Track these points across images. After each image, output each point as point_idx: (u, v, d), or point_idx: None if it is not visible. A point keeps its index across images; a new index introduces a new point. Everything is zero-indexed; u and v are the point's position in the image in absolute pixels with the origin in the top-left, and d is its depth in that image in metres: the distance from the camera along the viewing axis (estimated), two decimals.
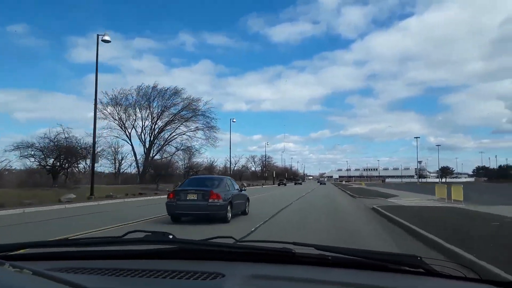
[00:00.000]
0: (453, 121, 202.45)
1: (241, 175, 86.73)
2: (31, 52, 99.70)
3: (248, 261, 1.49)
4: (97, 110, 21.63)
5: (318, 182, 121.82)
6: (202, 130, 47.81)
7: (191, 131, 47.76)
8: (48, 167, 25.14)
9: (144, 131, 46.90)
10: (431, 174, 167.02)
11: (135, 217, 12.46)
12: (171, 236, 1.50)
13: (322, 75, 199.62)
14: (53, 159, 25.04)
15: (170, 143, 48.35)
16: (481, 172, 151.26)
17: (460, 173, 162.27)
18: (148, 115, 46.68)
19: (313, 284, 1.26)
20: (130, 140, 46.48)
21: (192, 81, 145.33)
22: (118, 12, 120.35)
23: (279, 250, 1.45)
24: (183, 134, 47.82)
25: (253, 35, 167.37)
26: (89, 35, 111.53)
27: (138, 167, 46.32)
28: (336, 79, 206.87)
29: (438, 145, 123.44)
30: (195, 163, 65.53)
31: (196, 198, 10.67)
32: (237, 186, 12.92)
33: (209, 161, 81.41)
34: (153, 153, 47.02)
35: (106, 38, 21.47)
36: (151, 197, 25.68)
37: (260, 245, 1.54)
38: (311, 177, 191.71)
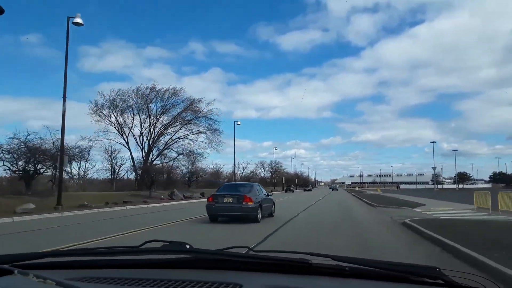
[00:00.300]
0: (466, 128, 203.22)
1: (247, 181, 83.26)
2: (44, 62, 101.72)
3: (264, 271, 1.48)
4: (65, 107, 18.11)
5: (330, 188, 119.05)
6: (205, 133, 44.41)
7: (193, 134, 44.40)
8: (18, 172, 21.95)
9: (142, 134, 43.77)
10: (446, 180, 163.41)
11: (58, 241, 8.66)
12: (188, 246, 1.51)
13: (332, 82, 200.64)
14: (24, 163, 21.78)
15: (170, 148, 45.03)
16: (498, 178, 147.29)
17: (476, 179, 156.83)
18: (146, 118, 43.59)
19: None
20: (127, 144, 43.38)
21: (203, 89, 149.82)
22: (129, 22, 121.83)
23: (296, 261, 1.44)
24: (184, 138, 44.43)
25: (263, 43, 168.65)
26: (101, 44, 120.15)
27: (136, 172, 43.11)
28: (346, 86, 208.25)
29: (455, 150, 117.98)
30: (199, 168, 62.44)
31: (231, 201, 12.40)
32: (264, 191, 14.50)
33: (215, 166, 79.42)
34: (151, 158, 43.77)
35: (78, 20, 18.64)
36: (137, 206, 22.24)
37: (277, 255, 1.54)
38: (322, 183, 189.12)
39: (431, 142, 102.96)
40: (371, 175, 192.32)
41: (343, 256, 1.46)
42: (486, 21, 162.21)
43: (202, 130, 44.40)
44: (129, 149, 43.48)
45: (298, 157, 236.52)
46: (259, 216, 12.57)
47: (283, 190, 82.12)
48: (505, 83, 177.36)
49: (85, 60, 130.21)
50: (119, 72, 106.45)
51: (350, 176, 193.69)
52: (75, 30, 21.03)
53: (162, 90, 42.77)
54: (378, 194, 44.04)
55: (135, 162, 43.29)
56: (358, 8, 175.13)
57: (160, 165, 44.76)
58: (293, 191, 70.42)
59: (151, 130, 43.55)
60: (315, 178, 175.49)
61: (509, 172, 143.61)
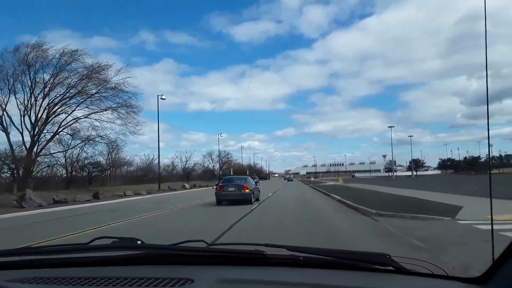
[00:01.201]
0: (411, 117, 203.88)
1: (188, 174, 71.93)
2: None
3: (218, 264, 1.46)
4: None
5: (284, 179, 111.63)
6: (115, 110, 32.49)
7: (97, 112, 32.25)
8: None
9: (26, 114, 31.07)
10: (398, 168, 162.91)
11: None
12: (139, 242, 1.47)
13: (285, 74, 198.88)
14: None
15: (71, 134, 32.70)
16: (446, 164, 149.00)
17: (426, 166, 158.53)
18: (32, 90, 30.92)
19: (284, 286, 1.25)
20: (2, 127, 30.52)
21: (155, 80, 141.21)
22: (73, 9, 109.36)
23: (250, 252, 1.44)
24: (86, 118, 32.19)
25: (216, 34, 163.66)
26: (42, 34, 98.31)
27: (17, 167, 30.50)
28: (299, 77, 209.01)
29: (410, 136, 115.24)
30: (124, 160, 50.13)
31: (234, 190, 17.08)
32: (253, 182, 19.66)
33: (147, 157, 66.49)
34: (37, 149, 31.26)
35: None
36: None
37: (232, 247, 1.52)
38: (276, 175, 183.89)
39: (389, 127, 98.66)
40: (324, 165, 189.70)
41: (298, 246, 1.46)
42: (431, 15, 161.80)
43: (111, 107, 32.44)
44: (7, 135, 30.67)
45: (252, 148, 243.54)
46: (253, 199, 17.29)
47: None
48: (448, 74, 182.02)
49: (24, 50, 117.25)
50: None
51: (304, 166, 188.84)
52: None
53: (54, 52, 30.34)
54: (343, 186, 34.90)
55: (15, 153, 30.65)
56: None
57: (52, 156, 32.52)
58: None
59: (37, 109, 31.04)
60: (268, 169, 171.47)
61: (453, 158, 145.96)
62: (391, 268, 1.37)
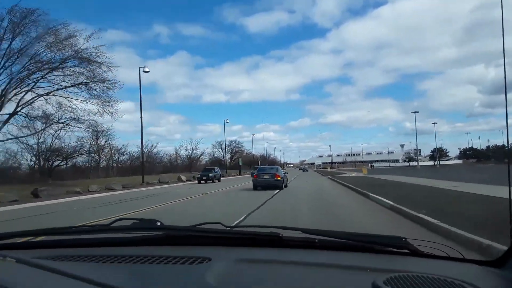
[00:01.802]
0: (428, 107, 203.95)
1: (192, 165, 65.40)
2: None
3: (235, 245, 1.49)
4: None
5: (299, 169, 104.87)
6: (85, 85, 25.84)
7: (61, 88, 25.64)
8: None
9: None
10: (419, 157, 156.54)
11: None
12: (158, 223, 1.49)
13: (299, 64, 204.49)
14: None
15: (26, 113, 26.33)
16: (468, 153, 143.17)
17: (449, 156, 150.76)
18: None
19: (299, 266, 1.27)
20: None
21: (169, 72, 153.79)
22: (89, 3, 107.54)
23: (266, 234, 1.45)
24: (49, 95, 25.66)
25: (229, 26, 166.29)
26: (58, 28, 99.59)
27: None
28: (314, 68, 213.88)
29: (434, 123, 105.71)
30: (112, 147, 43.87)
31: (268, 177, 19.90)
32: (282, 171, 22.45)
33: (148, 145, 59.87)
34: None
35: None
36: None
37: (248, 229, 1.55)
38: (291, 165, 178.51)
39: (412, 112, 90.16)
40: (340, 155, 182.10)
41: (313, 229, 1.48)
42: (446, 2, 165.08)
43: (81, 81, 25.73)
44: None
45: (267, 139, 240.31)
46: (283, 185, 20.24)
47: (239, 174, 65.11)
48: (464, 62, 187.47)
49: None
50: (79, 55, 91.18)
51: (319, 156, 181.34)
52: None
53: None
54: (372, 179, 27.66)
55: None
56: None
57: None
58: (216, 181, 51.29)
59: None
60: (283, 160, 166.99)
61: (474, 147, 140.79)
62: (406, 250, 1.37)
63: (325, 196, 15.55)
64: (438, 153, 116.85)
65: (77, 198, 18.83)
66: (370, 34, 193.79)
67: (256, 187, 20.02)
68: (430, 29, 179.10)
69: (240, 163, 77.32)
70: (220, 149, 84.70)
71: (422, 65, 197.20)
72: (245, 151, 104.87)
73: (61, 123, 26.79)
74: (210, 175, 34.58)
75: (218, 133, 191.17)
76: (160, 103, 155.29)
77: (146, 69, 29.94)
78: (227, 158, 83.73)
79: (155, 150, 59.10)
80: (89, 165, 39.28)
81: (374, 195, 12.77)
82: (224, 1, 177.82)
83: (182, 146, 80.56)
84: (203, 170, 37.68)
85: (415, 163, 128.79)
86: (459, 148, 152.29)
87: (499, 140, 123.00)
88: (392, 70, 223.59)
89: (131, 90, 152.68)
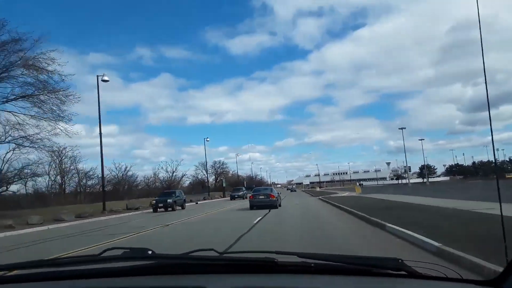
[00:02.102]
0: (409, 125, 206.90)
1: (169, 189, 60.63)
2: None
3: (230, 272, 1.45)
4: None
5: (287, 189, 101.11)
6: (31, 97, 21.76)
7: (5, 102, 21.44)
8: None
9: None
10: (406, 175, 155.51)
11: None
12: (150, 252, 1.47)
13: (282, 85, 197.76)
14: None
15: None
16: (454, 170, 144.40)
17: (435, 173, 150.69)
18: None
19: None
20: None
21: (153, 95, 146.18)
22: (69, 26, 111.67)
23: (261, 260, 1.43)
24: None
25: (212, 48, 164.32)
26: (38, 51, 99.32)
27: None
28: (296, 88, 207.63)
29: (421, 139, 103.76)
30: (79, 170, 39.34)
31: (263, 198, 21.18)
32: (276, 191, 24.15)
33: (122, 168, 53.97)
34: None
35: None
36: None
37: (242, 255, 1.55)
38: (279, 185, 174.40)
39: (399, 128, 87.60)
40: (327, 174, 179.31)
41: (308, 252, 1.45)
42: (422, 24, 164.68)
43: (24, 94, 21.63)
44: None
45: (253, 160, 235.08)
46: (278, 205, 21.28)
47: (222, 197, 60.63)
48: (442, 81, 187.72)
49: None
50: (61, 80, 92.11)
51: (306, 176, 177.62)
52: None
53: None
54: (373, 200, 24.05)
55: None
56: (304, 11, 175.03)
57: None
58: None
59: None
60: (270, 180, 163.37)
61: (455, 164, 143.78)
62: (403, 272, 1.34)
63: (323, 226, 11.80)
64: (427, 170, 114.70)
65: (2, 235, 14.57)
66: (350, 55, 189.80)
67: (252, 207, 21.02)
68: (408, 50, 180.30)
69: (224, 185, 73.18)
70: (203, 170, 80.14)
71: (402, 85, 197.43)
72: (230, 172, 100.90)
73: (8, 142, 22.54)
74: (169, 200, 27.03)
75: (203, 155, 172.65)
76: (144, 125, 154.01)
77: (105, 78, 25.84)
78: (211, 180, 79.39)
79: (130, 173, 54.36)
80: (50, 191, 34.68)
81: (393, 226, 9.08)
82: (206, 24, 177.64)
83: (162, 167, 75.97)
84: (161, 195, 29.62)
85: (404, 181, 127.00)
86: (444, 165, 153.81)
87: (483, 156, 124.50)
88: (373, 90, 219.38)
89: (114, 113, 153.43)
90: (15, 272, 1.54)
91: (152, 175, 65.60)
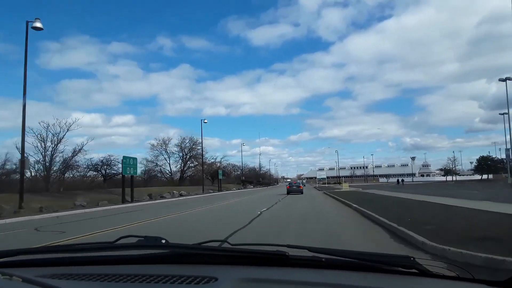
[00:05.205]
0: (427, 122, 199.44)
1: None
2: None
3: (241, 264, 1.47)
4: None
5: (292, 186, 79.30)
6: None
7: None
8: None
9: None
10: (436, 172, 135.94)
11: None
12: (163, 241, 1.48)
13: (301, 78, 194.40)
14: None
15: None
16: (484, 166, 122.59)
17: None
18: None
19: (306, 286, 1.25)
20: None
21: (171, 86, 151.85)
22: (92, 15, 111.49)
23: (273, 253, 1.44)
24: None
25: (233, 39, 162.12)
26: (62, 39, 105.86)
27: None
28: (315, 81, 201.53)
29: (504, 113, 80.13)
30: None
31: (296, 187, 38.42)
32: (300, 183, 43.71)
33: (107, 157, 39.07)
34: None
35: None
36: None
37: (254, 248, 1.54)
38: (289, 179, 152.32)
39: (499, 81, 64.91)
40: (344, 168, 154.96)
41: (319, 247, 1.45)
42: (451, 16, 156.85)
43: None
44: None
45: (266, 153, 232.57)
46: (304, 192, 37.81)
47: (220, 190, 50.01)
48: (466, 77, 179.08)
49: (45, 56, 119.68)
50: (82, 69, 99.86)
51: (319, 169, 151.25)
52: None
53: None
54: None
55: None
56: (329, 2, 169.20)
57: None
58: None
59: None
60: (277, 173, 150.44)
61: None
62: (415, 270, 1.34)
63: None
64: (445, 170, 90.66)
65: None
66: (374, 48, 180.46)
67: (289, 192, 35.98)
68: (433, 43, 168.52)
69: (220, 177, 53.04)
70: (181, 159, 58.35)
71: (424, 80, 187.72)
72: (233, 164, 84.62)
73: None
74: None
75: (217, 147, 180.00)
76: (160, 116, 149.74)
77: (37, 24, 18.34)
78: (174, 169, 58.02)
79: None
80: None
81: None
82: (229, 14, 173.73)
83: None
84: None
85: (453, 177, 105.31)
86: (471, 162, 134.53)
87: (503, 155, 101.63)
88: (393, 84, 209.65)
89: (133, 103, 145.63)
90: (32, 256, 1.55)
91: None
